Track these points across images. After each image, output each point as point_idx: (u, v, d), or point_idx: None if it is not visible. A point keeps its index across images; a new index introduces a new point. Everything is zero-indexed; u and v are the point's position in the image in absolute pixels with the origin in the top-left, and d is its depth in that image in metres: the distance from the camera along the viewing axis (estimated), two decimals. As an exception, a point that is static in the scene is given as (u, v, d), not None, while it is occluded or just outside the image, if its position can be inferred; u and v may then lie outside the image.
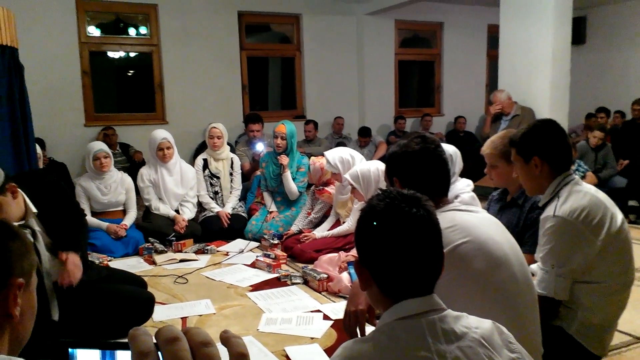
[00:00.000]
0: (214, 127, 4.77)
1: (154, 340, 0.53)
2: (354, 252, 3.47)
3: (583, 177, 5.07)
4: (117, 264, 3.77)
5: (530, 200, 2.34)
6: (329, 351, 2.42)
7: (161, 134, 4.49)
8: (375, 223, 1.10)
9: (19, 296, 0.91)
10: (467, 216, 1.53)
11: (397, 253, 1.07)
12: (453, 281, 1.13)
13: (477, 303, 1.32)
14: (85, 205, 4.20)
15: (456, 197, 2.85)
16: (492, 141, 2.45)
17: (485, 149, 2.46)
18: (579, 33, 8.15)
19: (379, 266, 1.09)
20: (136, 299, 2.73)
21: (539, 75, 5.13)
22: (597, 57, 8.59)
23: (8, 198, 2.20)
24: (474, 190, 2.96)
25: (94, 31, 6.50)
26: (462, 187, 2.91)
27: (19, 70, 3.41)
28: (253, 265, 3.79)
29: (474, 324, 1.08)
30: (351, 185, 3.32)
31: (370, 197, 1.17)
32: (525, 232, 2.31)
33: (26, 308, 0.93)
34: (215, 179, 4.78)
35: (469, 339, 1.04)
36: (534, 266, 1.91)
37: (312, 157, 4.40)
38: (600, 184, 5.15)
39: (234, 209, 4.74)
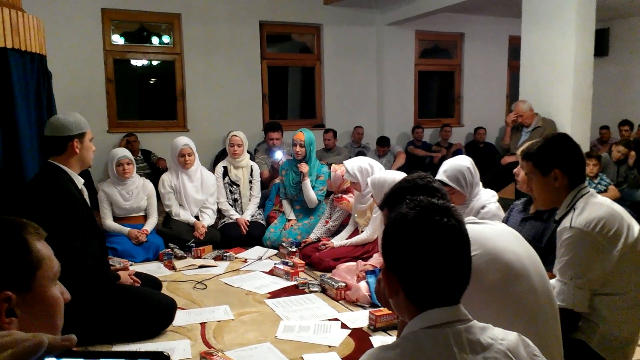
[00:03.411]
0: (235, 135, 4.82)
1: None
2: (372, 261, 3.47)
3: (605, 191, 5.00)
4: (138, 268, 3.80)
5: (555, 215, 2.28)
6: (347, 360, 2.43)
7: (183, 140, 4.56)
8: (406, 232, 1.10)
9: (16, 308, 0.93)
10: (480, 228, 1.52)
11: (427, 262, 1.07)
12: (468, 294, 1.13)
13: (494, 316, 1.31)
14: (107, 210, 4.27)
15: (482, 207, 2.82)
16: (531, 144, 2.39)
17: (520, 152, 2.41)
18: (601, 45, 8.08)
19: (408, 274, 1.09)
20: (159, 304, 2.78)
21: (561, 87, 5.09)
22: (619, 69, 8.49)
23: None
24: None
25: (118, 40, 6.63)
26: (487, 198, 2.86)
27: (47, 77, 3.51)
28: (271, 272, 3.81)
29: (500, 336, 1.08)
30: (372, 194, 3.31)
31: (400, 205, 1.17)
32: (550, 250, 2.16)
33: (31, 317, 0.95)
34: (234, 186, 4.82)
35: (495, 350, 1.04)
36: (552, 281, 1.89)
37: (334, 165, 4.42)
38: (622, 198, 5.08)
39: (252, 216, 4.78)
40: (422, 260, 1.07)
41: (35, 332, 0.83)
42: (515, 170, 2.47)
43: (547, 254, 2.15)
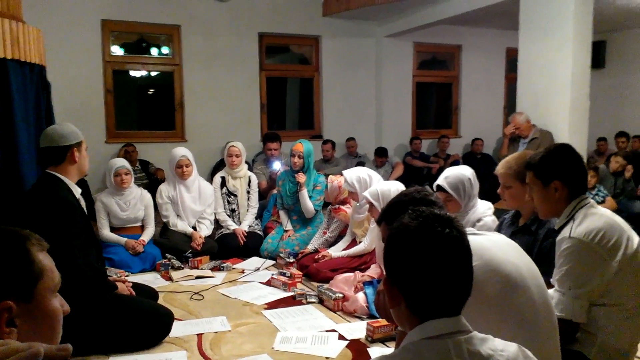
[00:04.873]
0: (233, 146, 4.83)
1: None
2: (369, 272, 3.47)
3: (603, 202, 5.01)
4: (135, 279, 3.79)
5: (544, 226, 2.27)
6: (344, 371, 2.41)
7: (180, 151, 4.56)
8: (408, 242, 1.10)
9: (17, 318, 0.93)
10: (480, 239, 1.51)
11: (428, 273, 1.07)
12: (467, 305, 1.13)
13: (493, 327, 1.30)
14: (104, 221, 4.26)
15: (478, 220, 2.83)
16: (507, 161, 2.43)
17: (499, 169, 2.45)
18: (598, 57, 8.13)
19: (410, 284, 1.09)
20: (157, 315, 2.77)
21: (558, 99, 5.12)
22: (616, 81, 8.54)
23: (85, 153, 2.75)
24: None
25: (117, 50, 6.66)
26: (483, 211, 2.87)
27: (46, 87, 3.52)
28: (268, 283, 3.79)
29: (500, 347, 1.08)
30: (370, 203, 3.31)
31: (402, 215, 1.17)
32: (541, 261, 2.07)
33: (31, 328, 0.95)
34: (232, 196, 4.82)
35: None
36: (550, 291, 1.89)
37: (331, 176, 4.43)
38: (619, 209, 5.09)
39: (250, 226, 4.77)
40: (423, 270, 1.08)
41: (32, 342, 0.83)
42: (498, 190, 2.47)
43: (538, 265, 2.13)
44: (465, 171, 2.89)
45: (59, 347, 0.69)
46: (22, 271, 0.97)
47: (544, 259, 2.15)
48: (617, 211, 4.80)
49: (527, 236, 2.32)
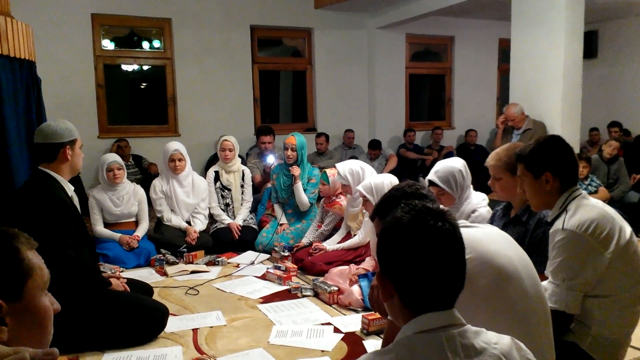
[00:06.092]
0: (226, 140, 4.82)
1: None
2: (364, 264, 3.47)
3: (595, 192, 5.03)
4: (129, 274, 3.78)
5: (534, 217, 2.28)
6: (340, 364, 2.42)
7: (173, 145, 4.54)
8: (401, 236, 1.10)
9: (7, 317, 0.93)
10: (472, 231, 1.52)
11: (421, 266, 1.07)
12: (460, 298, 1.13)
13: (486, 319, 1.31)
14: (98, 217, 4.25)
15: (473, 211, 2.83)
16: (497, 153, 2.43)
17: (490, 160, 2.45)
18: (590, 47, 8.14)
19: (403, 278, 1.09)
20: (151, 310, 2.76)
21: (551, 89, 5.13)
22: (608, 71, 8.57)
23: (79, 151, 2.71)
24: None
25: (108, 45, 6.61)
26: (477, 202, 2.87)
27: (37, 83, 3.49)
28: (264, 277, 3.79)
29: (494, 340, 1.08)
30: (363, 197, 3.31)
31: (395, 209, 1.17)
32: (532, 251, 2.11)
33: (21, 327, 0.95)
34: (226, 191, 4.81)
35: (488, 354, 1.05)
36: (544, 283, 1.90)
37: (331, 170, 4.40)
38: (613, 200, 5.11)
39: (244, 220, 4.77)
40: (416, 264, 1.08)
41: (19, 346, 0.83)
42: (489, 182, 2.48)
43: (529, 255, 2.13)
44: (455, 163, 2.88)
45: (45, 351, 0.69)
46: (11, 270, 0.97)
47: (535, 249, 2.17)
48: (610, 201, 4.84)
49: (518, 227, 2.33)
